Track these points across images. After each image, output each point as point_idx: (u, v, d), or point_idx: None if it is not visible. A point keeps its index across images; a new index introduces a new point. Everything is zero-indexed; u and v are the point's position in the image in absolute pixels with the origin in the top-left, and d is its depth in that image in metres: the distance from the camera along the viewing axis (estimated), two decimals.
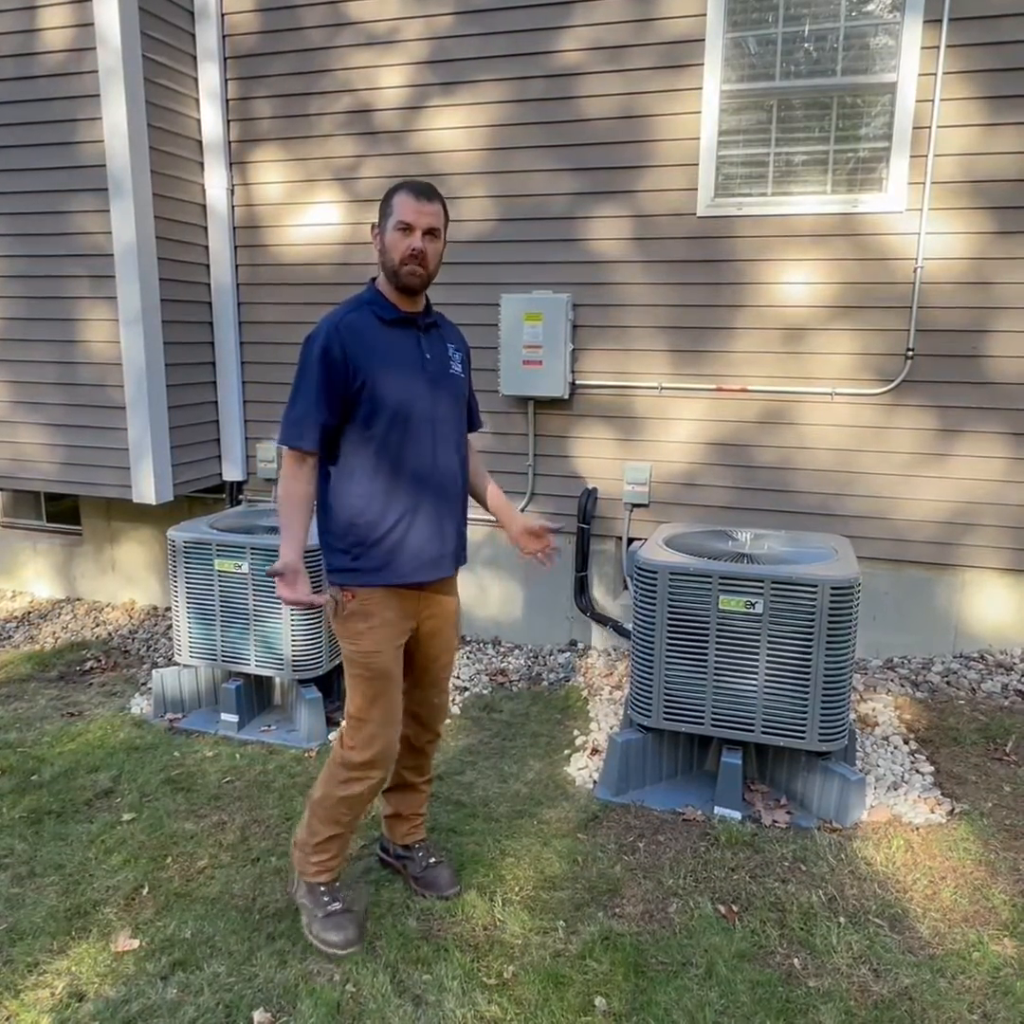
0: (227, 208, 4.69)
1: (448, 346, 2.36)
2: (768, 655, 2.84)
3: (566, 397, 4.28)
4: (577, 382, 4.33)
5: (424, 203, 2.19)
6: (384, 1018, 2.08)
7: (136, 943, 2.34)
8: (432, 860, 2.58)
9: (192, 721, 3.70)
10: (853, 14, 3.74)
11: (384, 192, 2.26)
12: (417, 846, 2.60)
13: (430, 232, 2.20)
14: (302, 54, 4.46)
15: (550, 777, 3.23)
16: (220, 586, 3.58)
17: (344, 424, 2.20)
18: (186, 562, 3.63)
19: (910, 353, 3.86)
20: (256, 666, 3.59)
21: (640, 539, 4.18)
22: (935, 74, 3.65)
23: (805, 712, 2.83)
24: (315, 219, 4.61)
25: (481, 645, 4.58)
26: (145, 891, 2.56)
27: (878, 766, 3.21)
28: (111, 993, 2.17)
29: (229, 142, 4.65)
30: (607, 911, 2.46)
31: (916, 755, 3.30)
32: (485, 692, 4.03)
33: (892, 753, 3.30)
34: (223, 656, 3.64)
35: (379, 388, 2.19)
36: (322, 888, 2.38)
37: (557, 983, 2.18)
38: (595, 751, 3.40)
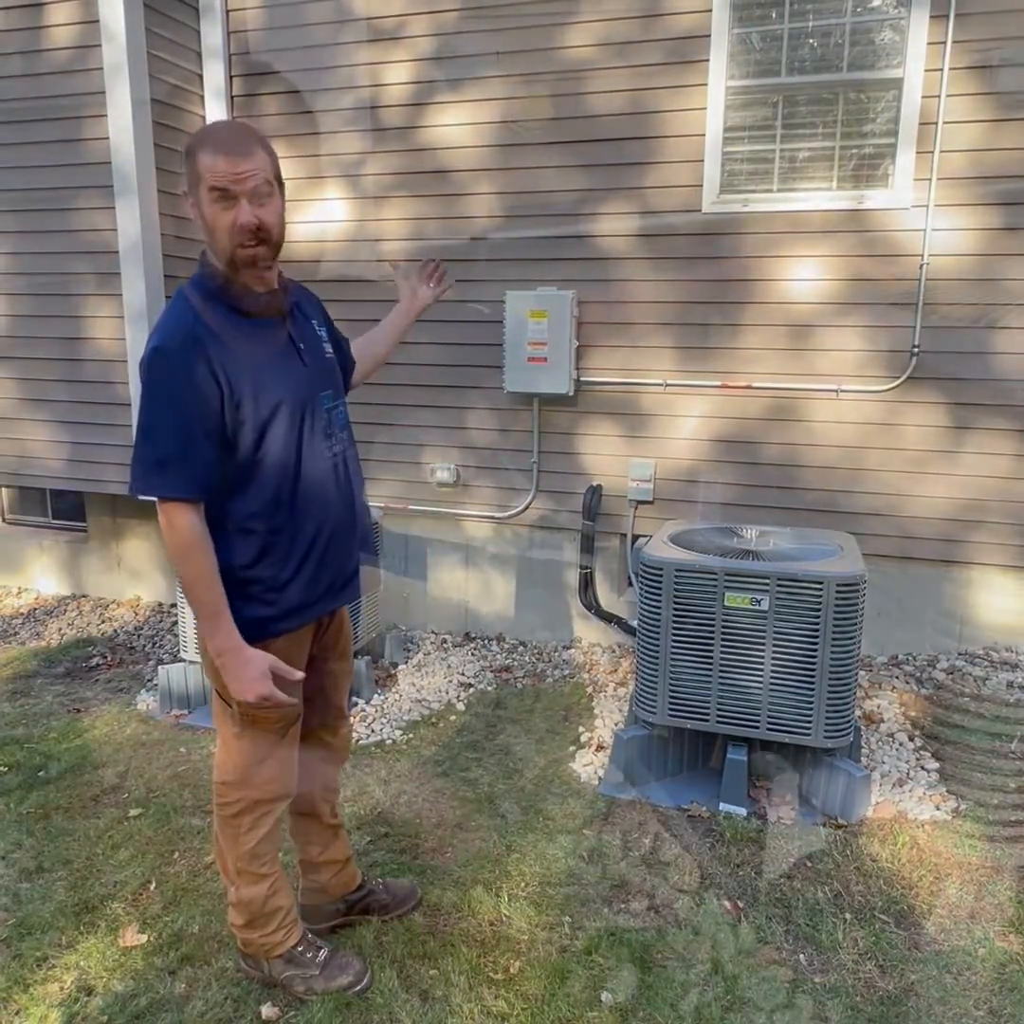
0: None
1: (312, 322, 1.98)
2: (773, 652, 2.84)
3: (571, 394, 4.28)
4: (582, 379, 4.33)
5: (239, 159, 1.65)
6: (391, 1013, 2.08)
7: (144, 938, 2.35)
8: (381, 881, 2.45)
9: (198, 717, 3.70)
10: (859, 9, 3.73)
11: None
12: (365, 880, 2.41)
13: (258, 193, 1.70)
14: (307, 50, 4.46)
15: (555, 773, 3.24)
16: None
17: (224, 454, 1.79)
18: None
19: (916, 350, 3.85)
20: None
21: (645, 536, 4.18)
22: (941, 70, 3.64)
23: (810, 709, 2.83)
24: (320, 216, 4.60)
25: (485, 642, 4.58)
26: (153, 886, 2.57)
27: (883, 762, 3.21)
28: (119, 987, 2.18)
29: None
30: (612, 907, 2.47)
31: (921, 752, 3.30)
32: (490, 689, 4.03)
33: (897, 750, 3.30)
34: None
35: (263, 404, 1.78)
36: (299, 948, 2.14)
37: (563, 978, 2.19)
38: (600, 747, 3.40)
